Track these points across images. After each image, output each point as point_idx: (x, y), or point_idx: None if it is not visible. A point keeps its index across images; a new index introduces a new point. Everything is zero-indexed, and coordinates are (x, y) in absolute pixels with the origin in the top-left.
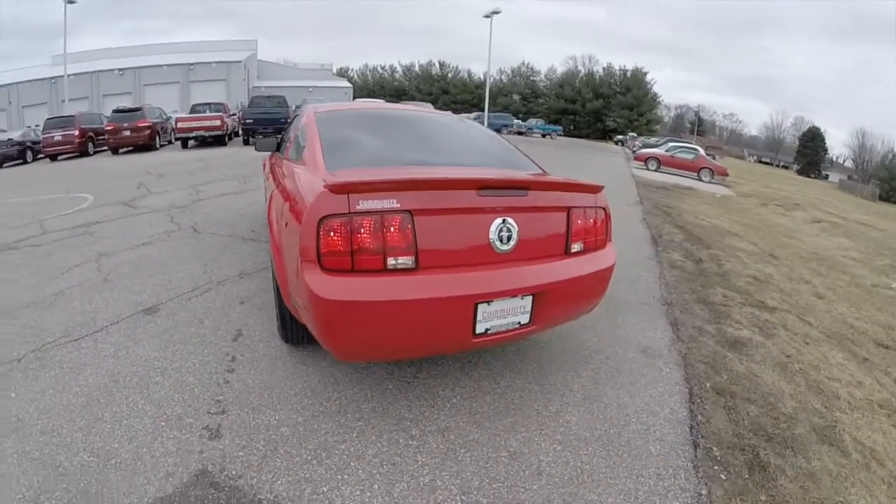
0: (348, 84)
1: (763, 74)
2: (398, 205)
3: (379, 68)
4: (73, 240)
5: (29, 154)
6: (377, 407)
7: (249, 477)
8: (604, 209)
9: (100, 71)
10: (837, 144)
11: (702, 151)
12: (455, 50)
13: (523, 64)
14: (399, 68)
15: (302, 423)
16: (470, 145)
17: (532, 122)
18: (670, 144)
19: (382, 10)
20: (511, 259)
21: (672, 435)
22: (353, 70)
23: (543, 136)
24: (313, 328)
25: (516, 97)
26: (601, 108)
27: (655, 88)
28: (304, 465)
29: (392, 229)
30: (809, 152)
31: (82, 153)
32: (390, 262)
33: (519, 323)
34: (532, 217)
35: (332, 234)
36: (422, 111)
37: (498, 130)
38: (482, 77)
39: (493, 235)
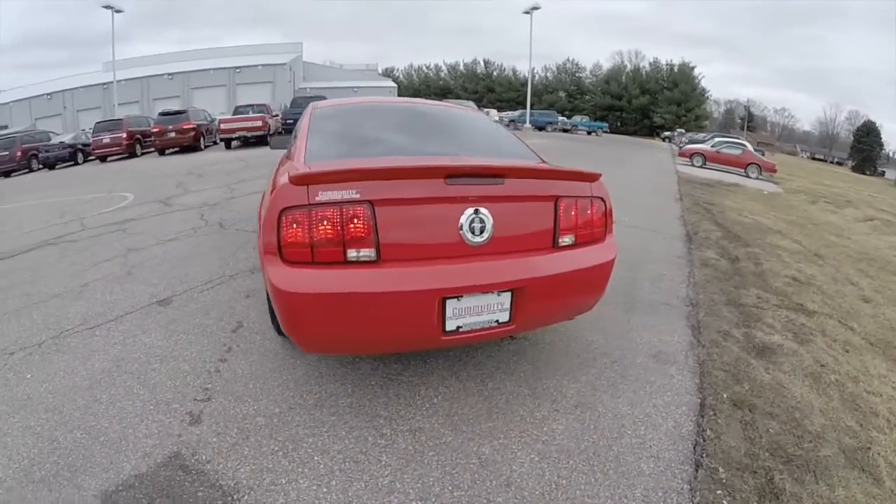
0: (393, 84)
1: (815, 66)
2: (358, 195)
3: (424, 68)
4: (108, 236)
5: (80, 156)
6: (354, 403)
7: (217, 462)
8: (602, 199)
9: (150, 76)
10: (895, 140)
11: (749, 147)
12: (500, 48)
13: (568, 60)
14: (444, 67)
15: (277, 415)
16: (466, 136)
17: (577, 119)
18: (716, 140)
19: (429, 9)
20: (485, 252)
21: (671, 452)
22: (398, 70)
23: (589, 133)
24: (279, 319)
25: (562, 94)
26: (648, 104)
27: (703, 83)
28: (269, 455)
29: (352, 220)
30: (865, 148)
31: (130, 154)
32: (351, 254)
33: (497, 321)
34: (510, 207)
35: (293, 225)
36: (423, 103)
37: (542, 128)
38: (527, 75)
39: (463, 227)
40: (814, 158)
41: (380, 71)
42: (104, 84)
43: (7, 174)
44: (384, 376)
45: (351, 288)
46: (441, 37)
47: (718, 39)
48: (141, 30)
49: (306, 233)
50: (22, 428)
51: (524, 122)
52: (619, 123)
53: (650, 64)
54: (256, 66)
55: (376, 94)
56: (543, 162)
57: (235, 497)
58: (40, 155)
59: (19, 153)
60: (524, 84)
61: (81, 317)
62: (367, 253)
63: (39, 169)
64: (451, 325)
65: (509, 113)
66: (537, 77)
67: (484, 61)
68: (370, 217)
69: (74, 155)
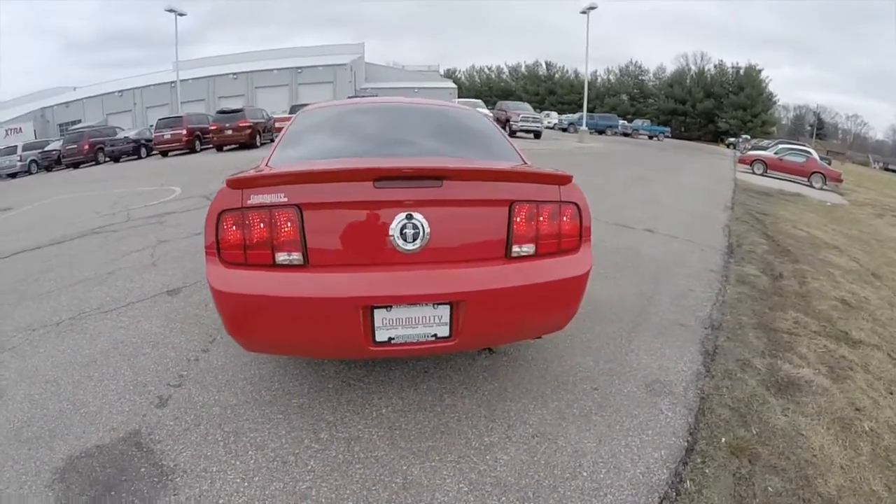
0: (453, 85)
1: (891, 70)
2: (286, 199)
3: (486, 69)
4: (146, 227)
5: (143, 150)
6: (305, 404)
7: (166, 444)
8: (574, 204)
9: (216, 75)
10: None
11: (814, 154)
12: (563, 49)
13: (631, 62)
14: (505, 69)
15: (232, 406)
16: (442, 135)
17: (638, 122)
18: (779, 147)
19: (492, 11)
20: (420, 261)
21: None
22: (460, 71)
23: (650, 137)
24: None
25: (624, 97)
26: (712, 108)
27: (771, 87)
28: (212, 443)
29: (279, 224)
30: None
31: (190, 150)
32: (279, 257)
33: (435, 336)
34: (450, 212)
35: (229, 227)
36: (411, 101)
37: (602, 132)
38: (589, 77)
39: (394, 233)
40: (887, 169)
41: (441, 72)
42: (172, 83)
43: (76, 165)
44: (343, 381)
45: (277, 291)
46: (504, 38)
47: (788, 41)
48: (213, 31)
49: (240, 235)
50: (24, 395)
51: (581, 124)
52: (682, 129)
53: (715, 67)
54: (318, 66)
55: (436, 94)
56: (525, 163)
57: (169, 478)
58: (106, 148)
59: (87, 146)
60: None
61: (99, 301)
62: (295, 257)
63: (105, 161)
64: (381, 336)
65: (568, 116)
66: (599, 80)
67: (546, 63)
68: (297, 221)
69: (138, 149)
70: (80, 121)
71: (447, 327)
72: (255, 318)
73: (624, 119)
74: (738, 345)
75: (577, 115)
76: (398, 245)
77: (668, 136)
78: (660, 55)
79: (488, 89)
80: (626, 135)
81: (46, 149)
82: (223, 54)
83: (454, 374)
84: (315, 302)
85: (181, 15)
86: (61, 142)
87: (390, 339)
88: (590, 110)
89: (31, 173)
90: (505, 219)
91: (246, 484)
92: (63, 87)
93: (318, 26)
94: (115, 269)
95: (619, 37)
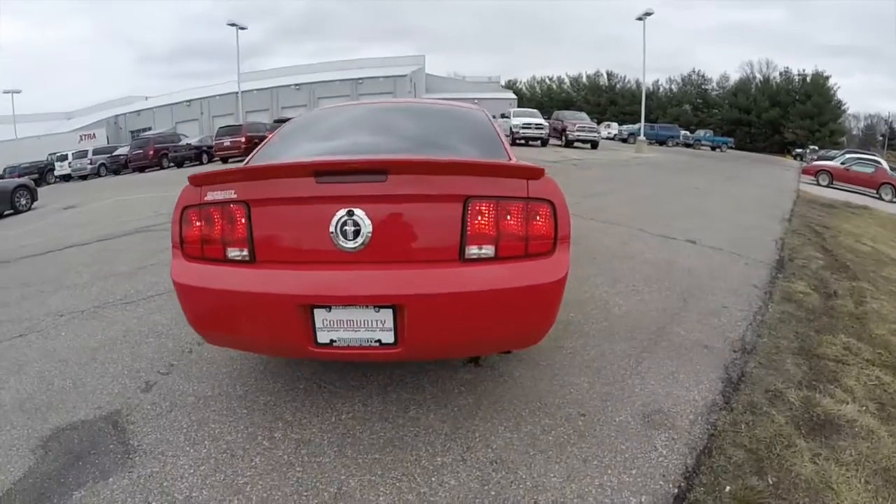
0: (513, 95)
1: None
2: (235, 195)
3: (546, 80)
4: None
5: (204, 156)
6: (271, 402)
7: (138, 425)
8: (548, 202)
9: (279, 86)
10: None
11: (884, 164)
12: (625, 59)
13: (693, 71)
14: (566, 79)
15: (205, 398)
16: (422, 132)
17: (700, 133)
18: (847, 156)
19: (554, 21)
20: (363, 260)
21: None
22: (521, 82)
23: (713, 148)
24: None
25: (687, 107)
26: (778, 117)
27: (840, 95)
28: (176, 430)
29: (229, 220)
30: None
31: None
32: (229, 252)
33: (379, 341)
34: (395, 209)
35: (189, 222)
36: (400, 102)
37: (663, 142)
38: (651, 87)
39: (334, 230)
40: None
41: (502, 83)
42: (237, 93)
43: (141, 169)
44: (315, 383)
45: (224, 285)
46: (565, 49)
47: (859, 48)
48: (281, 43)
49: (198, 230)
50: (37, 371)
51: (636, 134)
52: (747, 139)
53: (781, 74)
54: (378, 77)
55: (496, 105)
56: (511, 160)
57: (130, 456)
58: (170, 154)
59: (151, 152)
60: (648, 97)
61: (124, 293)
62: (242, 252)
63: (169, 166)
64: (323, 338)
65: (628, 126)
66: (661, 90)
67: (607, 73)
68: (245, 217)
69: (200, 155)
70: (150, 128)
71: (391, 333)
72: (207, 311)
73: (686, 130)
74: (771, 372)
75: (637, 126)
76: (339, 243)
77: (731, 147)
78: (724, 63)
79: (549, 99)
80: (687, 145)
81: (115, 153)
82: (287, 66)
83: (429, 386)
84: (256, 298)
85: (242, 28)
86: (128, 147)
87: (332, 341)
88: (651, 121)
89: (100, 176)
90: (458, 217)
91: (192, 471)
92: (135, 97)
93: (382, 40)
94: (147, 265)
95: (682, 46)
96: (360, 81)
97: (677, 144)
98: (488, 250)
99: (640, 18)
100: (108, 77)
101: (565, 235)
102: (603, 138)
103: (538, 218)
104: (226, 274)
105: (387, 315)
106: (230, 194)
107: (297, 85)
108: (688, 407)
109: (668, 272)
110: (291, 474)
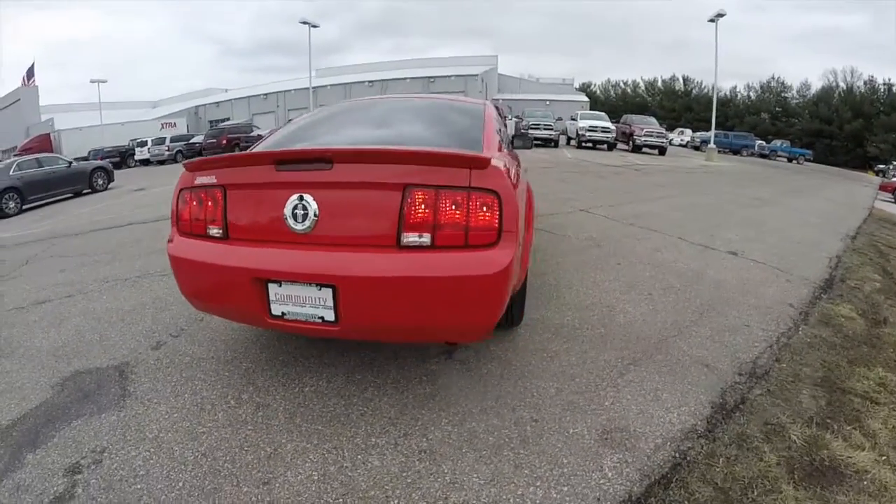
0: (585, 98)
1: None
2: (215, 180)
3: (621, 83)
4: None
5: None
6: (250, 368)
7: (137, 376)
8: (493, 192)
9: (353, 82)
10: None
11: None
12: (703, 64)
13: (773, 78)
14: (641, 84)
15: (199, 359)
16: (405, 124)
17: (776, 143)
18: None
19: (630, 24)
20: (309, 241)
21: None
22: (595, 85)
23: (789, 160)
24: None
25: (765, 116)
26: (861, 129)
27: None
28: (166, 382)
29: (210, 201)
30: None
31: None
32: (210, 230)
33: (322, 318)
34: (339, 195)
35: (182, 203)
36: (402, 98)
37: (737, 151)
38: (727, 94)
39: (287, 213)
40: None
41: (576, 86)
42: (313, 88)
43: None
44: (295, 356)
45: (202, 258)
46: (641, 52)
47: None
48: (358, 41)
49: (188, 210)
50: (75, 325)
51: (708, 142)
52: (827, 152)
53: (865, 83)
54: (449, 76)
55: (568, 107)
56: (480, 154)
57: (124, 399)
58: (241, 143)
59: (224, 141)
60: (724, 104)
61: (164, 266)
62: (218, 230)
63: None
64: (276, 310)
65: (702, 133)
66: (739, 96)
67: (683, 78)
68: (222, 199)
69: None
70: (228, 119)
71: (332, 311)
72: (190, 280)
73: (763, 139)
74: (779, 403)
75: (710, 133)
76: (290, 224)
77: (809, 160)
78: (805, 70)
79: (623, 104)
80: (763, 156)
81: (191, 141)
82: (362, 63)
83: (394, 371)
84: (223, 270)
85: (314, 27)
86: (203, 136)
87: (283, 314)
88: (728, 129)
89: (176, 161)
90: (397, 204)
91: (166, 417)
92: (216, 89)
93: (458, 38)
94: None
95: (763, 51)
96: (432, 80)
97: (752, 154)
98: (425, 238)
99: (711, 20)
100: (192, 69)
101: (512, 228)
102: (675, 145)
103: (481, 208)
104: (205, 248)
105: (327, 294)
106: (212, 179)
107: (370, 82)
108: (658, 429)
109: (694, 283)
110: (243, 431)
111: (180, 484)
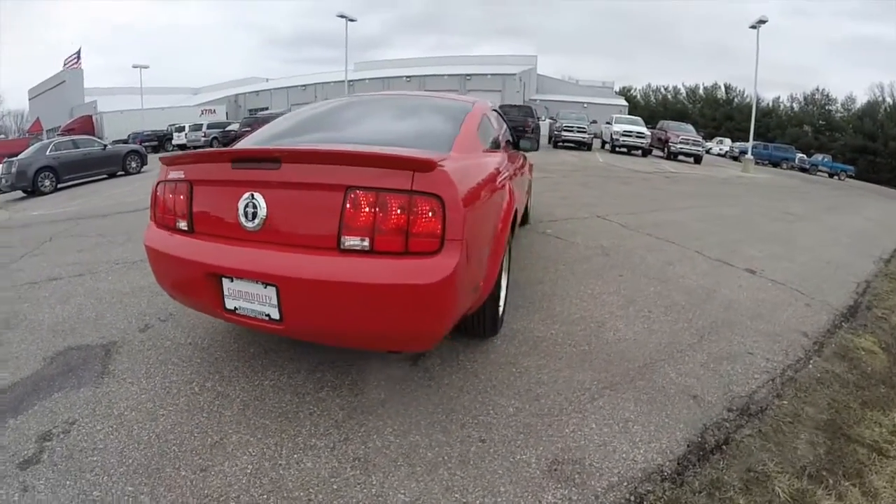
0: (624, 102)
1: None
2: (183, 176)
3: (662, 89)
4: None
5: None
6: (221, 357)
7: (120, 354)
8: (436, 197)
9: (391, 77)
10: None
11: None
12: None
13: (817, 90)
14: (683, 90)
15: (178, 344)
16: (379, 122)
17: (818, 157)
18: None
19: (674, 29)
20: (258, 239)
21: None
22: (636, 89)
23: (831, 175)
24: None
25: (807, 129)
26: None
27: None
28: (143, 364)
29: (180, 196)
30: None
31: None
32: (178, 223)
33: (268, 316)
34: (286, 195)
35: (158, 196)
36: (389, 94)
37: (776, 164)
38: (770, 104)
39: (239, 210)
40: None
41: (616, 89)
42: (350, 81)
43: None
44: (266, 350)
45: (169, 250)
46: (684, 57)
47: None
48: (399, 36)
49: (162, 203)
50: (77, 303)
51: (746, 152)
52: (871, 169)
53: None
54: (486, 74)
55: (605, 110)
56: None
57: (103, 376)
58: None
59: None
60: (766, 114)
61: None
62: (184, 224)
63: None
64: (230, 305)
65: (741, 143)
66: (782, 107)
67: (725, 86)
68: (188, 194)
69: None
70: (267, 108)
71: (277, 310)
72: (161, 270)
73: (805, 153)
74: (769, 447)
75: (749, 144)
76: (242, 222)
77: (851, 176)
78: (850, 83)
79: (664, 109)
80: (803, 170)
81: (227, 129)
82: (402, 58)
83: (354, 373)
84: (184, 263)
85: (352, 21)
86: (239, 124)
87: (236, 308)
88: (769, 140)
89: (212, 147)
90: (338, 206)
91: (135, 396)
92: (256, 78)
93: (498, 36)
94: None
95: (808, 60)
96: (469, 78)
97: (792, 168)
98: (365, 243)
99: (753, 27)
100: (235, 58)
101: (456, 236)
102: (713, 154)
103: (423, 214)
104: (172, 241)
105: (272, 292)
106: (181, 175)
107: (407, 77)
108: (617, 466)
109: (701, 302)
110: (197, 417)
111: (129, 461)
